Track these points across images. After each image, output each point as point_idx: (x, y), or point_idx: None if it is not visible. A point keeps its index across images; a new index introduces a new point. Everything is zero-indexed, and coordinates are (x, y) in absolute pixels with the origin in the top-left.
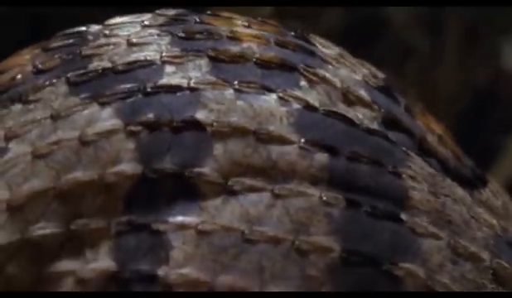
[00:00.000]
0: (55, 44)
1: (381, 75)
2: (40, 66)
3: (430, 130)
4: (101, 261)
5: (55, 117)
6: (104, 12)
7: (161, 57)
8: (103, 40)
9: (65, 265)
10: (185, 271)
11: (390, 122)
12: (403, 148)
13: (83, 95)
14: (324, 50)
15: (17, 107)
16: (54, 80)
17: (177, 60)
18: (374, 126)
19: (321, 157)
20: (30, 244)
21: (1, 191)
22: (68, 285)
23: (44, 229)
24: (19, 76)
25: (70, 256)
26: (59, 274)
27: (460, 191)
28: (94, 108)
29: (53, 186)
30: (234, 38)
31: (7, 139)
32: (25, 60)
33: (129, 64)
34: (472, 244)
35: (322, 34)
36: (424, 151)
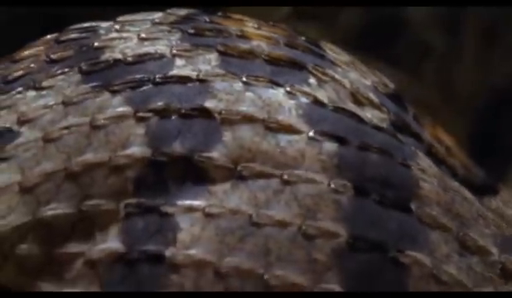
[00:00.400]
0: (68, 36)
1: (391, 85)
2: (53, 56)
3: (438, 140)
4: (110, 243)
5: (66, 104)
6: (117, 11)
7: (172, 50)
8: (114, 35)
9: (76, 246)
10: (191, 252)
11: (399, 125)
12: (412, 148)
13: (94, 83)
14: (334, 55)
15: (31, 93)
16: (66, 69)
17: (187, 54)
18: (383, 126)
19: (330, 146)
20: (41, 224)
21: (13, 174)
22: (78, 267)
23: (55, 210)
24: (33, 65)
25: (80, 237)
26: (70, 255)
27: (468, 194)
28: (105, 95)
29: (64, 168)
30: (244, 36)
31: (20, 123)
32: (39, 51)
33: (140, 56)
34: (481, 238)
35: (340, 34)
36: (432, 155)
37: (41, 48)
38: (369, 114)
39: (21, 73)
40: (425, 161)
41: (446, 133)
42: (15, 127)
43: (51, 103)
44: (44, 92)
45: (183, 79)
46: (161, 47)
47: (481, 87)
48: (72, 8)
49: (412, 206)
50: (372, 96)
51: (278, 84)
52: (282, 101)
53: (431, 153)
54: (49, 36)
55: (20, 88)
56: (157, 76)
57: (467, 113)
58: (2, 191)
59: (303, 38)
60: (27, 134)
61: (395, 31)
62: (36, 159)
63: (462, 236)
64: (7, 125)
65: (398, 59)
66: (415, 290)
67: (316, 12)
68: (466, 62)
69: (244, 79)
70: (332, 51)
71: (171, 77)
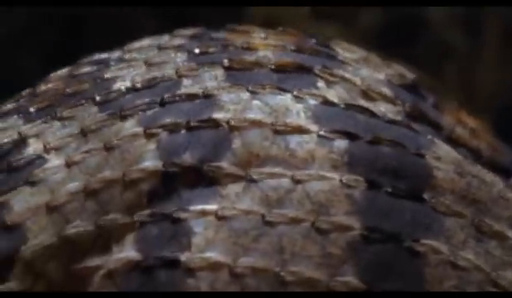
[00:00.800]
0: (81, 70)
1: (410, 76)
2: (70, 90)
3: (462, 124)
4: (126, 252)
5: (86, 132)
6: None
7: (178, 72)
8: (123, 64)
9: (95, 261)
10: (206, 255)
11: (415, 115)
12: (429, 136)
13: (109, 112)
14: (345, 53)
15: (55, 123)
16: (83, 101)
17: (193, 73)
18: (398, 118)
19: (341, 143)
20: (66, 243)
21: (42, 196)
22: (97, 280)
23: (78, 227)
24: (53, 98)
25: (99, 252)
26: (89, 269)
27: (490, 176)
28: (119, 121)
29: (85, 186)
30: (250, 48)
31: (47, 151)
32: (57, 85)
33: (148, 81)
34: (497, 223)
35: (360, 34)
36: (452, 141)
37: (59, 82)
38: (382, 108)
39: (43, 105)
40: (442, 149)
41: (470, 115)
42: (43, 155)
43: (73, 131)
44: (66, 122)
45: (190, 97)
46: (168, 71)
47: (502, 87)
48: (90, 9)
49: (426, 196)
50: (385, 90)
51: (285, 90)
52: (289, 105)
53: (451, 139)
54: (64, 71)
55: (44, 119)
56: (165, 96)
57: (488, 113)
58: (33, 212)
59: (313, 40)
60: (54, 160)
61: (415, 31)
62: (63, 181)
63: (478, 222)
64: (37, 152)
65: (419, 59)
66: (432, 277)
67: (335, 12)
68: (486, 62)
69: (250, 88)
70: (344, 50)
71: (179, 96)
